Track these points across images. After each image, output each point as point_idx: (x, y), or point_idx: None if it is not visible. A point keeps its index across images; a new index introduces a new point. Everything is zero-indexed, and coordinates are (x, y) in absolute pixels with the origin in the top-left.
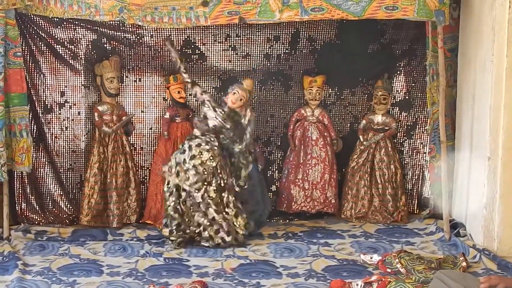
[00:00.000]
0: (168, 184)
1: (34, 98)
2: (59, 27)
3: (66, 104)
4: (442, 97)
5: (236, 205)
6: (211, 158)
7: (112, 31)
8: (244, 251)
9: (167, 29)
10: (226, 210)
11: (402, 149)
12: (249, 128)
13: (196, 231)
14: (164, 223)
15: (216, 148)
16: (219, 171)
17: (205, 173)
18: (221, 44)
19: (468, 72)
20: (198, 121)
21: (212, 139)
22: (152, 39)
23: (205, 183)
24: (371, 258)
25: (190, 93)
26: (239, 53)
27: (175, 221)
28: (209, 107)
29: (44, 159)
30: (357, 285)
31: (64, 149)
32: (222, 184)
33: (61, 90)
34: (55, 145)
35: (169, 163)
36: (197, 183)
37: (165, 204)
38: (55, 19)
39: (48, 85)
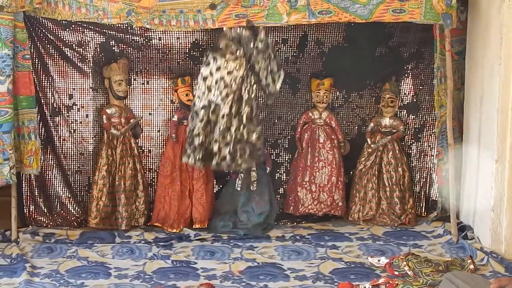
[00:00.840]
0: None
1: (42, 101)
2: (67, 29)
3: (74, 106)
4: (449, 100)
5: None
6: (237, 67)
7: (120, 34)
8: (251, 253)
9: (175, 32)
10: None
11: (410, 151)
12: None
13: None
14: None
15: (242, 57)
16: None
17: (232, 83)
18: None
19: (475, 75)
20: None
21: (237, 48)
22: (160, 41)
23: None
24: (379, 260)
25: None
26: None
27: (198, 138)
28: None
29: (52, 162)
30: (365, 287)
31: (72, 152)
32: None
33: (69, 93)
34: (63, 147)
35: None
36: (228, 95)
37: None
38: (63, 21)
39: (56, 88)
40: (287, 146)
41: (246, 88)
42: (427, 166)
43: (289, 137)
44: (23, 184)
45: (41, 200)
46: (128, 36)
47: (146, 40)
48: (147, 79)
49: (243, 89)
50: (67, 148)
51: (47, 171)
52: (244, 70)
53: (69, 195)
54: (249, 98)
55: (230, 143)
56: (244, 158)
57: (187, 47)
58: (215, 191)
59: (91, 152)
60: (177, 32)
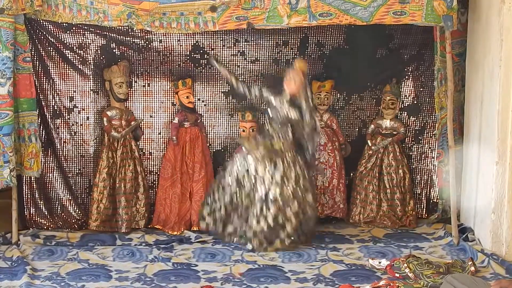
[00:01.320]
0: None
1: (43, 103)
2: (68, 32)
3: (75, 109)
4: (450, 101)
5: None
6: (282, 146)
7: (121, 36)
8: (252, 255)
9: (175, 34)
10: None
11: (411, 153)
12: (308, 107)
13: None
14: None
15: (288, 137)
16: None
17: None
18: (230, 49)
19: (476, 77)
20: (268, 119)
21: (283, 130)
22: (160, 44)
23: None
24: (380, 262)
25: (198, 98)
26: (247, 58)
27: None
28: (271, 105)
29: (53, 164)
30: None
31: (73, 154)
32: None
33: (70, 95)
34: (64, 150)
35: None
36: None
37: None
38: (64, 24)
39: (57, 90)
40: None
41: (291, 183)
42: (428, 168)
43: None
44: (24, 187)
45: (41, 202)
46: (128, 38)
47: (147, 42)
48: (148, 82)
49: (291, 185)
50: (67, 151)
51: (48, 174)
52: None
53: (70, 198)
54: (295, 193)
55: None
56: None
57: (188, 49)
58: None
59: (91, 155)
60: (178, 35)
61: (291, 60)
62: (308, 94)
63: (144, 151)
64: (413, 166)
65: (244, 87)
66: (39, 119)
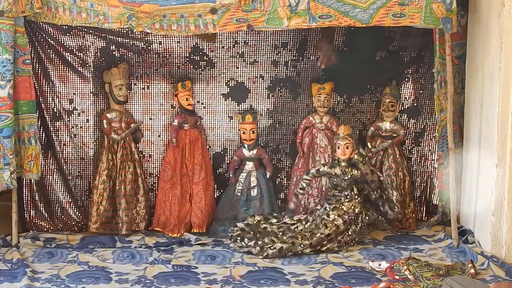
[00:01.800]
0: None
1: (42, 106)
2: (67, 34)
3: (74, 111)
4: (450, 104)
5: None
6: (352, 206)
7: (121, 39)
8: (252, 258)
9: (175, 36)
10: None
11: (410, 156)
12: (364, 167)
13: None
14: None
15: (356, 197)
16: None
17: (349, 218)
18: (229, 51)
19: (476, 79)
20: (332, 186)
21: (349, 191)
22: (160, 46)
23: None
24: (380, 265)
25: (198, 100)
26: (247, 60)
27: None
28: (331, 176)
29: (53, 167)
30: None
31: (73, 157)
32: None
33: (70, 98)
34: (64, 152)
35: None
36: (338, 227)
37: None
38: (63, 26)
39: (57, 93)
40: (288, 151)
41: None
42: (428, 170)
43: (290, 142)
44: (24, 189)
45: (41, 205)
46: (128, 40)
47: (146, 44)
48: (148, 84)
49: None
50: (67, 153)
51: (48, 176)
52: (359, 207)
53: (70, 200)
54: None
55: None
56: None
57: (187, 52)
58: (215, 196)
59: (91, 157)
60: (177, 37)
61: (290, 62)
62: (363, 153)
63: (143, 153)
64: (413, 169)
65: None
66: (39, 121)
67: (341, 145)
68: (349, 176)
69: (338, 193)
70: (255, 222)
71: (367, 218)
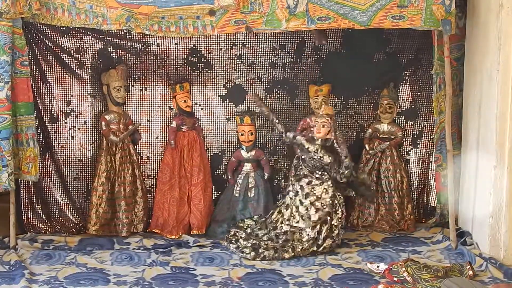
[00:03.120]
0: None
1: (40, 107)
2: (65, 36)
3: (72, 113)
4: (448, 106)
5: None
6: (324, 189)
7: (119, 40)
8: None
9: (173, 38)
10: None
11: (408, 158)
12: (344, 151)
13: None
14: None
15: (327, 180)
16: (336, 202)
17: (324, 207)
18: (227, 53)
19: (474, 81)
20: (301, 162)
21: (320, 173)
22: (158, 47)
23: (328, 217)
24: (378, 266)
25: (195, 102)
26: (244, 62)
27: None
28: (303, 149)
29: (51, 168)
30: None
31: (71, 158)
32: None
33: (67, 99)
34: (62, 154)
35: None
36: (320, 219)
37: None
38: (61, 28)
39: (54, 94)
40: (285, 153)
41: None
42: (426, 172)
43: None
44: (22, 191)
45: (39, 206)
46: (126, 42)
47: (144, 46)
48: (145, 86)
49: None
50: (65, 155)
51: (46, 178)
52: (332, 190)
53: (68, 202)
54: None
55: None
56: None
57: (185, 53)
58: (213, 198)
59: (89, 159)
60: (175, 38)
61: (288, 64)
62: (338, 134)
63: (141, 155)
64: (411, 171)
65: (281, 128)
66: (37, 123)
67: (318, 122)
68: (319, 157)
69: (309, 173)
70: (245, 227)
71: (352, 193)
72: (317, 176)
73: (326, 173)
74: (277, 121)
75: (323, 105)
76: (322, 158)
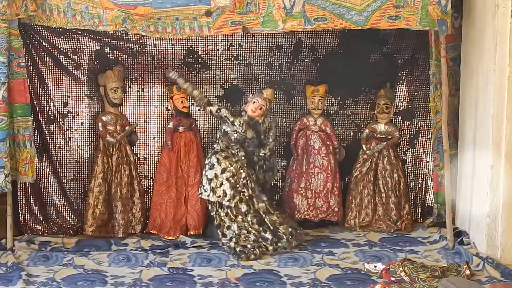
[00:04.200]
0: (211, 203)
1: (37, 109)
2: (62, 37)
3: (69, 114)
4: (445, 106)
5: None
6: (240, 169)
7: (115, 41)
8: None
9: (170, 38)
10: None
11: (405, 158)
12: (271, 133)
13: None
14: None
15: (243, 158)
16: (248, 181)
17: (238, 185)
18: (224, 53)
19: (470, 81)
20: (221, 136)
21: (237, 150)
22: (155, 48)
23: (240, 194)
24: (375, 266)
25: (192, 103)
26: (241, 62)
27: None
28: (227, 122)
29: (48, 170)
30: None
31: (68, 160)
32: (251, 194)
33: (64, 101)
34: (59, 155)
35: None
36: (235, 197)
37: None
38: (58, 29)
39: (51, 95)
40: (282, 153)
41: (251, 186)
42: (423, 172)
43: (284, 143)
44: (19, 192)
45: (36, 208)
46: (122, 43)
47: (141, 47)
48: (142, 86)
49: (249, 188)
50: (62, 156)
51: (43, 179)
52: (246, 171)
53: (65, 203)
54: (259, 194)
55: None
56: (288, 239)
57: (182, 54)
58: None
59: (86, 160)
60: (172, 39)
61: (284, 64)
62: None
63: (138, 156)
64: (408, 170)
65: (201, 98)
66: (34, 124)
67: (257, 102)
68: (243, 131)
69: (225, 148)
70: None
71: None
72: (233, 152)
73: (242, 150)
74: (196, 92)
75: (268, 88)
76: (245, 132)
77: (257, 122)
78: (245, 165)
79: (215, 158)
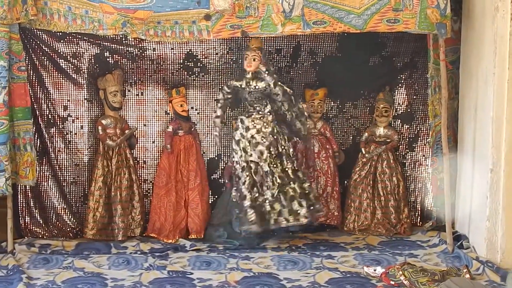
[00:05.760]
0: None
1: (37, 112)
2: (61, 41)
3: (69, 118)
4: (444, 109)
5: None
6: (265, 125)
7: (115, 45)
8: (247, 263)
9: (169, 42)
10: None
11: (404, 161)
12: (277, 88)
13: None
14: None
15: (269, 114)
16: (275, 137)
17: (264, 140)
18: (223, 57)
19: (469, 85)
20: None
21: (260, 107)
22: (154, 52)
23: (269, 151)
24: (375, 270)
25: (191, 106)
26: (240, 66)
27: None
28: (239, 91)
29: (48, 173)
30: None
31: (68, 163)
32: (280, 151)
33: (64, 104)
34: (59, 159)
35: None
36: (262, 153)
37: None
38: (58, 33)
39: (51, 99)
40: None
41: (281, 143)
42: (422, 175)
43: None
44: (19, 196)
45: (36, 211)
46: (122, 47)
47: (141, 51)
48: (142, 90)
49: (278, 145)
50: (62, 159)
51: (43, 182)
52: (272, 126)
53: (65, 206)
54: (287, 153)
55: (281, 199)
56: (302, 212)
57: (181, 58)
58: (210, 202)
59: (86, 163)
60: (171, 43)
61: (284, 68)
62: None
63: (138, 159)
64: (407, 174)
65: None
66: (34, 128)
67: (248, 56)
68: (254, 87)
69: (251, 107)
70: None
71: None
72: (258, 109)
73: (265, 105)
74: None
75: (253, 38)
76: (257, 86)
77: (258, 76)
78: (271, 121)
79: (239, 119)
